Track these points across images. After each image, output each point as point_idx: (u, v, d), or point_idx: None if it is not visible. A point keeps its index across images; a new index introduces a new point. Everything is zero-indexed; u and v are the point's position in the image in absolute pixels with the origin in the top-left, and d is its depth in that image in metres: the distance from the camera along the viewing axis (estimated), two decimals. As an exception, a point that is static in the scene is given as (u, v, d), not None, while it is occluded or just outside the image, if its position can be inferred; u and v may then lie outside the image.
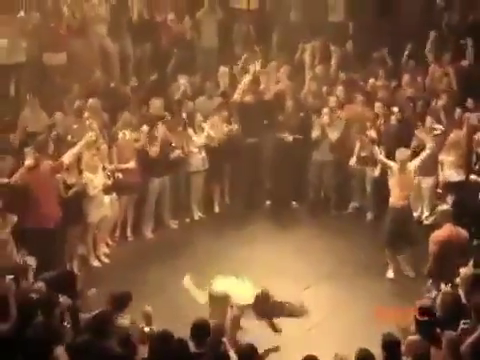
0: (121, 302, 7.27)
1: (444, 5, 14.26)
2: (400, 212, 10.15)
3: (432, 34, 13.13)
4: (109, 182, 10.69)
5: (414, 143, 11.27)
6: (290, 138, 12.31)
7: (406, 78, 12.83)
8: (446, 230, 8.83)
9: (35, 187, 9.49)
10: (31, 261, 8.24)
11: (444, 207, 9.47)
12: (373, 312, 9.18)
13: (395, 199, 10.15)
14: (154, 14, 14.43)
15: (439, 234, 8.85)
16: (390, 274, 10.34)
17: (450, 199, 10.98)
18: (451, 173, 11.08)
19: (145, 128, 11.29)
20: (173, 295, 9.66)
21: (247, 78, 12.68)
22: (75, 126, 10.98)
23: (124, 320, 7.14)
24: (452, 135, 11.13)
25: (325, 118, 12.19)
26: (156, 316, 7.72)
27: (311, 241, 11.45)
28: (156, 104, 12.08)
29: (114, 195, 10.95)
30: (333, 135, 12.21)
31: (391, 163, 10.21)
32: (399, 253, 10.41)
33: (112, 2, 13.96)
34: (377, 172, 11.72)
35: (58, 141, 10.57)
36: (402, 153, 10.09)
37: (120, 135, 11.16)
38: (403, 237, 10.19)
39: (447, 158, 11.09)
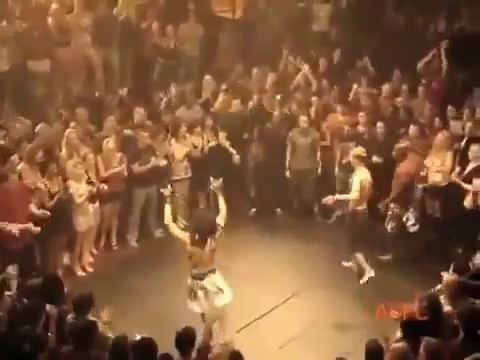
0: (82, 305, 7.11)
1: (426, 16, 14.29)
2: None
3: (431, 53, 13.19)
4: (94, 190, 10.67)
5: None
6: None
7: (386, 86, 12.83)
8: (409, 163, 10.80)
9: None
10: (12, 270, 8.14)
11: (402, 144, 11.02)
12: (359, 320, 9.21)
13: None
14: (139, 22, 14.44)
15: (404, 166, 10.78)
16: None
17: (436, 204, 11.07)
18: (437, 178, 11.05)
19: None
20: (157, 304, 9.65)
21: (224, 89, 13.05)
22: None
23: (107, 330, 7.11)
24: (436, 140, 11.12)
25: (299, 126, 12.27)
26: (140, 325, 7.72)
27: (296, 249, 11.45)
28: (139, 113, 12.15)
29: (97, 203, 10.93)
30: (302, 142, 12.26)
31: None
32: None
33: (96, 11, 13.94)
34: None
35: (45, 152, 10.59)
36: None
37: (104, 144, 11.15)
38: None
39: (433, 163, 11.07)
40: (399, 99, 12.47)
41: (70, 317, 6.94)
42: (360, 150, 10.50)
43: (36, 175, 10.03)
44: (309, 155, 12.33)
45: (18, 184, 9.63)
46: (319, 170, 12.41)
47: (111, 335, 6.94)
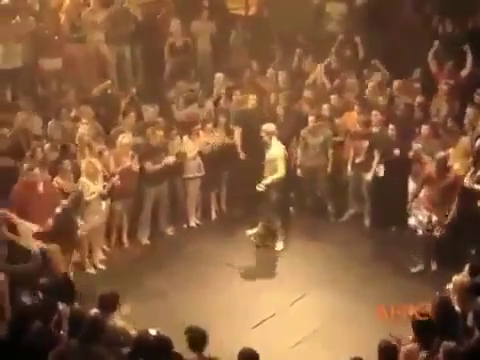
0: (109, 303, 7.20)
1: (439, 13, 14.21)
2: None
3: (435, 43, 13.08)
4: (104, 190, 10.64)
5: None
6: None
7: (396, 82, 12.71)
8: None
9: (32, 204, 9.44)
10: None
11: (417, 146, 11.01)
12: (370, 319, 9.16)
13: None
14: (150, 19, 14.43)
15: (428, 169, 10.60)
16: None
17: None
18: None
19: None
20: (170, 301, 9.63)
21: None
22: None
23: (117, 321, 7.11)
24: (461, 142, 10.98)
25: (309, 125, 12.17)
26: (152, 322, 7.71)
27: (308, 247, 11.38)
28: (149, 111, 12.09)
29: (108, 201, 10.89)
30: (313, 141, 12.18)
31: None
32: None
33: (110, 9, 13.94)
34: (370, 176, 11.77)
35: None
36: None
37: (119, 139, 11.11)
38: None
39: (454, 165, 10.91)
40: (417, 99, 12.35)
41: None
42: (269, 126, 11.13)
43: (45, 173, 10.03)
44: (319, 153, 12.21)
45: (45, 181, 9.69)
46: (329, 168, 12.26)
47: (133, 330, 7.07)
